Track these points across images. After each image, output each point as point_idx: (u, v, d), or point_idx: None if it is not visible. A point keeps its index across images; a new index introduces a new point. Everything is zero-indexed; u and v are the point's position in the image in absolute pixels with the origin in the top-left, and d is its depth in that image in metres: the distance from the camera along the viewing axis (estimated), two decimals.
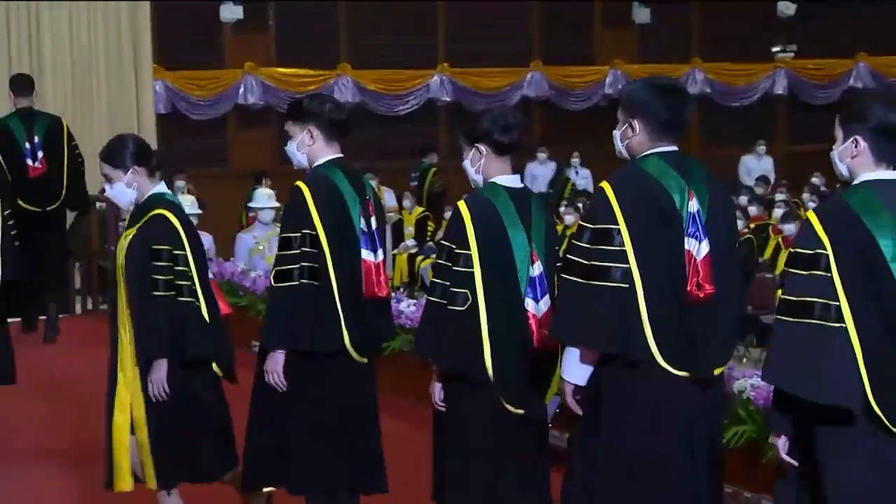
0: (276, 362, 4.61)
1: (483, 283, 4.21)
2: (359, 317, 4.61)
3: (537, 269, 4.30)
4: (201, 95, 16.13)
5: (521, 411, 4.28)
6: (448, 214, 14.96)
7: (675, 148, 3.94)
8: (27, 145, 9.68)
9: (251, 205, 10.84)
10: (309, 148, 4.70)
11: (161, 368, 4.65)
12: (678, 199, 3.83)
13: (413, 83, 17.43)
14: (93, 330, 10.79)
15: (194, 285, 4.69)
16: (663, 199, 3.82)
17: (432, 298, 4.32)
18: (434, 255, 11.11)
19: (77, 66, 14.96)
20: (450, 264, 4.27)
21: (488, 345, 4.20)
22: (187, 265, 4.68)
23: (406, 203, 14.99)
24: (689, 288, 3.79)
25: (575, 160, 17.57)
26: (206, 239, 11.19)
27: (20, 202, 8.87)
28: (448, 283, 4.27)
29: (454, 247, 4.28)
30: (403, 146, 17.24)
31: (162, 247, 4.66)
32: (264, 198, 10.59)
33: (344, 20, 17.13)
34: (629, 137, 3.95)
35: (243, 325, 9.17)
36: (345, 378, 4.66)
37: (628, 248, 3.76)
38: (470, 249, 4.23)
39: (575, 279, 3.82)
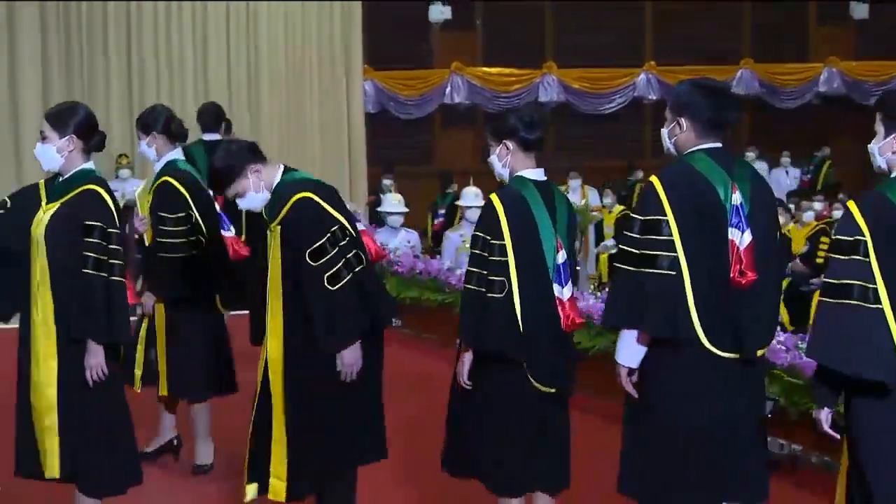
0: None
1: (517, 272, 4.49)
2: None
3: (562, 256, 4.58)
4: (409, 95, 16.47)
5: (552, 389, 4.59)
6: None
7: (720, 145, 4.21)
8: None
9: (460, 203, 11.02)
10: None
11: (100, 353, 4.59)
12: (722, 193, 4.11)
13: (619, 81, 17.38)
14: None
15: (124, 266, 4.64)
16: (708, 193, 4.10)
17: (470, 287, 4.58)
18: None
19: (291, 66, 15.48)
20: (485, 254, 4.53)
21: (523, 328, 4.48)
22: (119, 244, 4.62)
23: (607, 201, 14.96)
24: (732, 275, 4.07)
25: (785, 159, 17.20)
26: (412, 236, 11.46)
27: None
28: (485, 272, 4.53)
29: (489, 237, 4.53)
30: (608, 145, 17.20)
31: (95, 223, 4.57)
32: (472, 196, 10.75)
33: (550, 19, 17.20)
34: (676, 134, 4.24)
35: (450, 324, 9.37)
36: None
37: (675, 237, 4.04)
38: (504, 240, 4.49)
39: (626, 267, 4.12)
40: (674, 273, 4.04)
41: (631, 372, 4.18)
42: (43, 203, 4.76)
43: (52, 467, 4.70)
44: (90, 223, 4.60)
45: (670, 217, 4.05)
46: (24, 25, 14.12)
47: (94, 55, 14.53)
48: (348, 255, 4.75)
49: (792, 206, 12.70)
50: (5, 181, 14.08)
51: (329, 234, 4.73)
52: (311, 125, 15.61)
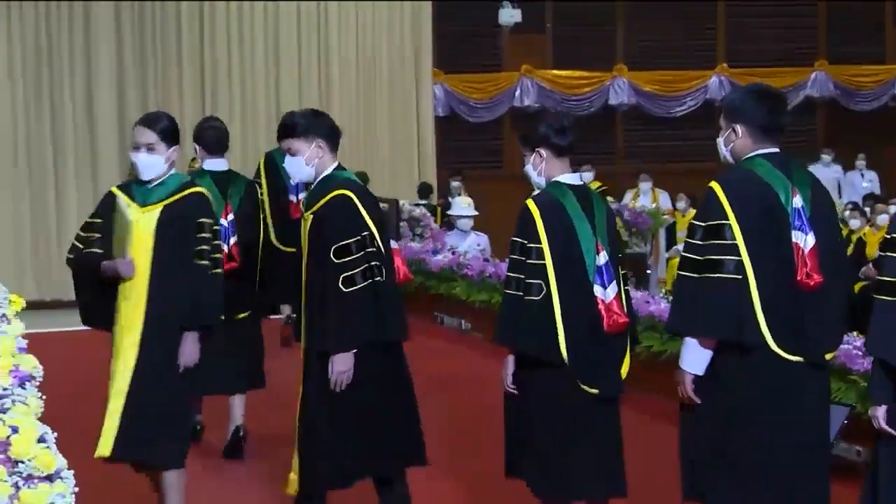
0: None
1: (555, 274, 4.52)
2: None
3: (603, 258, 4.61)
4: (479, 98, 16.50)
5: (595, 390, 4.57)
6: None
7: (776, 150, 4.25)
8: (292, 181, 9.37)
9: None
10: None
11: (197, 343, 5.00)
12: (783, 196, 4.15)
13: (690, 84, 17.26)
14: None
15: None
16: (769, 197, 4.14)
17: (509, 291, 4.60)
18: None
19: (361, 70, 15.60)
20: (523, 258, 4.57)
21: (562, 330, 4.50)
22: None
23: (680, 205, 14.88)
24: (798, 277, 4.10)
25: (860, 162, 16.98)
26: (482, 239, 11.51)
27: (273, 240, 7.84)
28: (523, 276, 4.56)
29: (526, 242, 4.58)
30: (678, 148, 17.10)
31: (206, 221, 5.00)
32: None
33: (621, 21, 17.14)
34: (733, 141, 4.28)
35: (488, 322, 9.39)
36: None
37: (739, 241, 4.07)
38: (541, 243, 4.54)
39: (689, 274, 4.15)
40: (739, 277, 4.06)
41: (695, 379, 4.18)
42: (135, 206, 5.05)
43: (105, 446, 4.97)
44: (203, 220, 4.99)
45: (733, 221, 4.08)
46: (99, 27, 14.36)
47: (168, 58, 14.75)
48: (371, 263, 4.80)
49: (867, 210, 12.54)
50: (84, 182, 14.36)
51: (358, 237, 4.81)
52: (380, 128, 15.71)
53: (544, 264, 4.53)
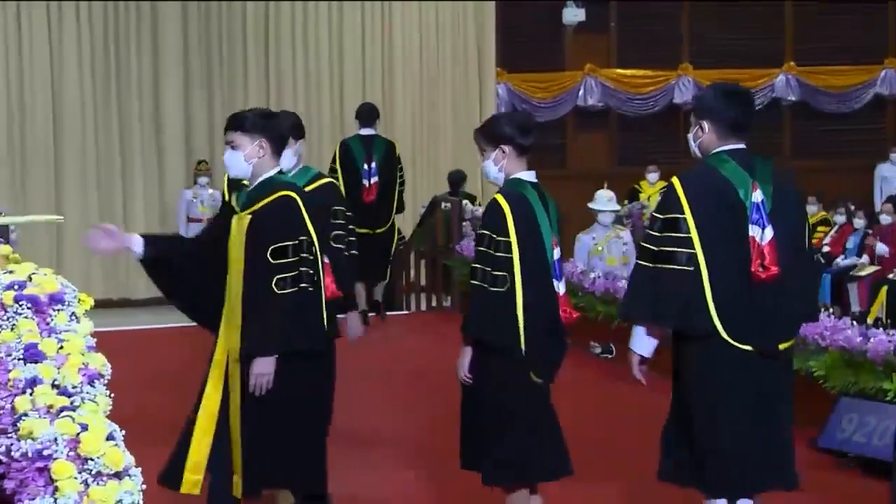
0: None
1: (521, 267, 4.67)
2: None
3: (556, 253, 4.82)
4: (542, 98, 16.45)
5: (541, 380, 4.78)
6: None
7: (742, 146, 4.45)
8: (365, 167, 10.83)
9: (591, 206, 10.98)
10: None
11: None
12: (742, 192, 4.33)
13: (757, 82, 17.06)
14: (437, 325, 11.29)
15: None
16: (727, 191, 4.34)
17: (475, 282, 4.73)
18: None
19: (424, 69, 15.63)
20: (490, 251, 4.70)
21: (522, 322, 4.63)
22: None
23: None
24: (753, 268, 4.27)
25: None
26: None
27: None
28: (489, 268, 4.69)
29: (495, 235, 4.70)
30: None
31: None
32: (605, 200, 10.70)
33: (687, 20, 17.00)
34: (700, 137, 4.48)
35: (582, 327, 9.33)
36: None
37: (693, 234, 4.27)
38: (509, 237, 4.68)
39: (645, 263, 4.38)
40: (691, 269, 4.26)
41: (643, 361, 4.46)
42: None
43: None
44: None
45: (688, 215, 4.28)
46: (166, 26, 14.52)
47: (233, 58, 14.87)
48: (303, 269, 4.76)
49: None
50: (150, 181, 14.53)
51: (297, 241, 4.78)
52: (443, 128, 15.72)
53: (511, 258, 4.67)
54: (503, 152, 4.89)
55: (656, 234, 4.37)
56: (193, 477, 4.97)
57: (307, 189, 5.19)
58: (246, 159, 4.90)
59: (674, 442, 4.51)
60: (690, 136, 4.53)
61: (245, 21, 14.92)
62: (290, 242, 4.78)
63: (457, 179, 13.67)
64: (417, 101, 15.61)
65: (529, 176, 4.94)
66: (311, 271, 4.80)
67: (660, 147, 16.06)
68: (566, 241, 12.09)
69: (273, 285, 4.74)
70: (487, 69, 16.00)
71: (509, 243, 4.68)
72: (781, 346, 4.40)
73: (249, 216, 4.87)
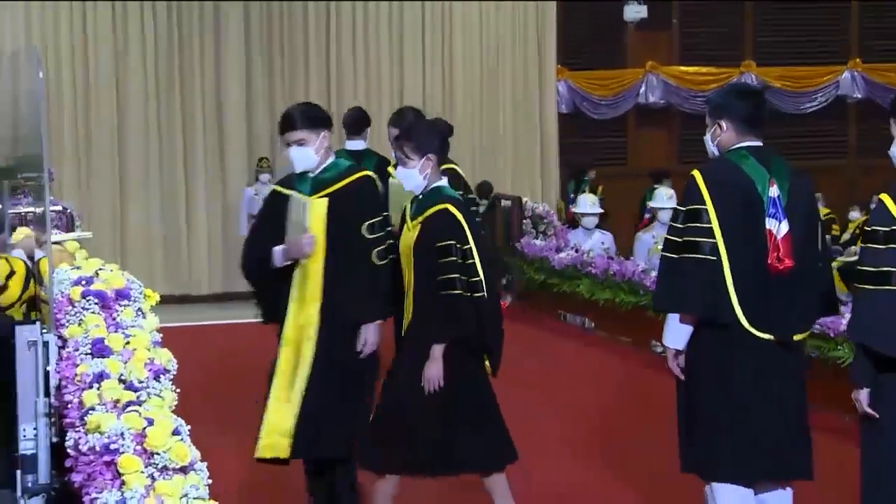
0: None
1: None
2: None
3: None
4: (603, 95, 16.38)
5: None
6: (853, 214, 14.50)
7: (759, 143, 4.56)
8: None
9: (651, 204, 10.92)
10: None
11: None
12: (760, 186, 4.45)
13: (821, 80, 16.89)
14: None
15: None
16: (745, 185, 4.45)
17: (454, 291, 4.83)
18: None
19: (485, 67, 15.61)
20: (458, 259, 4.85)
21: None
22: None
23: (854, 214, 14.63)
24: (769, 261, 4.39)
25: None
26: (607, 238, 11.41)
27: None
28: (464, 277, 4.84)
29: (458, 244, 4.87)
30: (809, 144, 16.74)
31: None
32: (664, 198, 10.64)
33: (750, 17, 16.85)
34: (718, 136, 4.59)
35: (645, 326, 9.29)
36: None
37: (714, 225, 4.38)
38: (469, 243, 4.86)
39: (670, 255, 4.48)
40: (714, 258, 4.37)
41: (678, 354, 4.52)
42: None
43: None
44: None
45: (709, 206, 4.39)
46: (229, 26, 14.63)
47: (294, 58, 14.95)
48: (390, 243, 5.19)
49: None
50: (212, 177, 14.65)
51: (382, 216, 5.29)
52: (503, 126, 15.70)
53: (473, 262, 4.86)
54: (430, 160, 5.00)
55: (679, 225, 4.46)
56: (266, 441, 5.11)
57: (329, 191, 5.20)
58: (419, 173, 5.05)
59: (688, 432, 4.59)
60: (708, 136, 4.63)
61: (306, 20, 14.99)
62: (379, 217, 5.20)
63: (487, 191, 13.54)
64: (477, 100, 15.59)
65: (446, 182, 5.11)
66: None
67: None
68: (627, 239, 12.12)
69: (374, 257, 5.15)
70: (548, 67, 15.95)
71: (472, 249, 4.87)
72: (796, 338, 4.52)
73: (327, 199, 5.17)
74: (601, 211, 11.53)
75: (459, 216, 4.93)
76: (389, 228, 5.32)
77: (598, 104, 16.31)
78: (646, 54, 16.44)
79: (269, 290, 5.28)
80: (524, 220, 12.46)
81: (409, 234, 5.01)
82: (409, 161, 5.01)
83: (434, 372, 4.87)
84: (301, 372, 5.12)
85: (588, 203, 11.38)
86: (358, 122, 7.95)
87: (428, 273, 4.92)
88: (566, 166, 15.88)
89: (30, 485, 3.84)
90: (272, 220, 5.27)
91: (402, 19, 15.28)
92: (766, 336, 4.41)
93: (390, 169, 7.20)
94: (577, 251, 11.16)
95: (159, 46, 14.42)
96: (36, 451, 3.85)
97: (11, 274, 4.02)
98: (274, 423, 5.09)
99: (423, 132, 5.11)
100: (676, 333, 4.51)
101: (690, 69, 16.55)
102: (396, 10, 15.26)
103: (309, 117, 5.24)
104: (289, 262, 5.18)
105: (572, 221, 12.39)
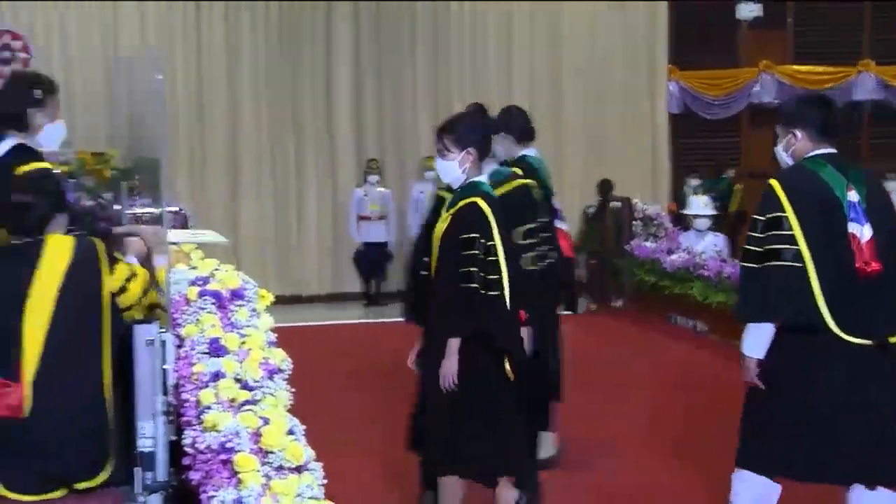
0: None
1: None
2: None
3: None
4: (716, 95, 16.15)
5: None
6: None
7: (834, 150, 4.63)
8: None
9: (686, 211, 10.77)
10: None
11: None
12: (838, 191, 4.49)
13: None
14: (606, 326, 11.19)
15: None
16: (824, 191, 4.50)
17: (471, 285, 4.80)
18: None
19: (594, 68, 15.49)
20: (481, 255, 4.83)
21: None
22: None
23: None
24: (857, 265, 4.42)
25: None
26: (719, 240, 11.24)
27: None
28: (482, 272, 4.82)
29: (483, 239, 4.84)
30: None
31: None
32: (699, 205, 10.52)
33: (869, 15, 16.47)
34: (793, 145, 4.65)
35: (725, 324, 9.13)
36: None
37: (797, 232, 4.41)
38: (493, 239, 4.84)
39: (751, 265, 4.49)
40: (798, 265, 4.40)
41: (758, 363, 4.53)
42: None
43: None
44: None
45: (790, 213, 4.43)
46: (338, 26, 14.74)
47: (402, 59, 15.00)
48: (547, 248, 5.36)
49: None
50: (323, 179, 14.78)
51: (538, 222, 5.49)
52: (613, 127, 15.57)
53: (497, 260, 4.84)
54: (470, 154, 5.00)
55: (759, 235, 4.48)
56: None
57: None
58: (458, 166, 5.05)
59: (753, 433, 4.64)
60: (781, 145, 4.69)
61: (414, 23, 15.03)
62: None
63: (607, 189, 13.43)
64: (586, 100, 15.49)
65: (485, 178, 5.12)
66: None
67: (837, 145, 15.55)
68: (740, 241, 11.92)
69: (526, 262, 5.35)
70: (659, 67, 15.78)
71: (495, 246, 4.85)
72: (893, 340, 4.52)
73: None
74: (714, 213, 11.38)
75: (488, 211, 4.89)
76: (545, 234, 5.54)
77: (710, 104, 16.09)
78: (759, 53, 16.17)
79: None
80: (634, 222, 12.34)
81: (440, 226, 5.02)
82: (449, 153, 5.01)
83: (448, 367, 4.84)
84: None
85: (700, 204, 11.23)
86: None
87: (451, 265, 4.90)
88: (679, 167, 15.70)
89: (148, 482, 3.89)
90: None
91: (510, 20, 15.25)
92: (858, 340, 4.44)
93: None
94: (689, 253, 11.02)
95: (271, 47, 14.59)
96: (154, 448, 3.90)
97: (132, 276, 4.09)
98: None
99: (465, 125, 5.09)
100: (757, 342, 4.53)
101: (805, 68, 16.23)
102: (505, 14, 15.23)
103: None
104: None
105: (679, 221, 12.26)
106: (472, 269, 4.83)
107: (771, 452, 4.58)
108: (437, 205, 5.32)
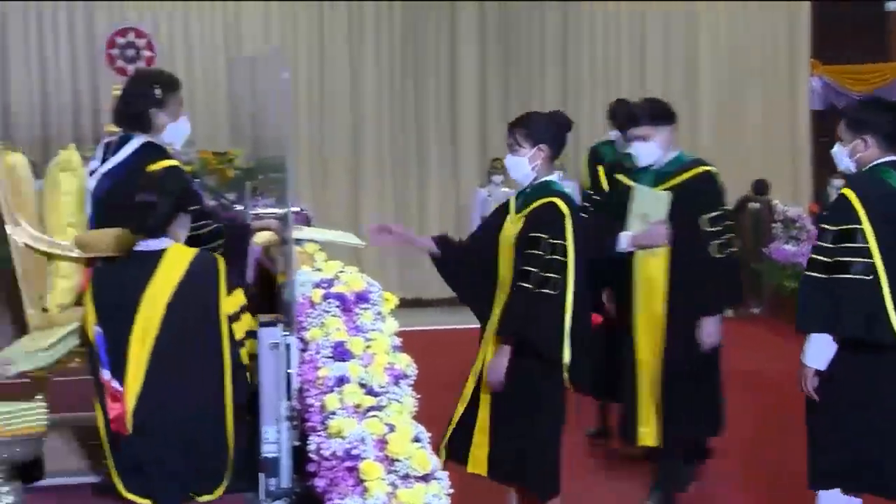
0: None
1: (573, 274, 4.83)
2: None
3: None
4: (861, 90, 15.79)
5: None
6: None
7: None
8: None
9: None
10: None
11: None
12: None
13: None
14: (745, 332, 11.03)
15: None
16: (894, 201, 4.51)
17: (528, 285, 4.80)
18: None
19: (731, 60, 15.30)
20: (543, 254, 4.82)
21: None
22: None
23: None
24: None
25: None
26: None
27: None
28: (541, 272, 4.82)
29: (552, 239, 4.84)
30: None
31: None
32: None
33: None
34: (860, 151, 4.65)
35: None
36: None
37: (872, 244, 4.40)
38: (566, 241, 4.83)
39: (817, 275, 4.50)
40: (869, 278, 4.40)
41: (817, 374, 4.57)
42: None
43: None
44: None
45: (866, 225, 4.42)
46: (463, 27, 14.79)
47: (531, 60, 15.00)
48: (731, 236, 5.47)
49: None
50: (444, 181, 14.86)
51: (722, 210, 5.58)
52: (752, 126, 15.36)
53: (566, 262, 4.84)
54: (541, 151, 4.99)
55: (829, 245, 4.49)
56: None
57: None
58: (528, 163, 5.06)
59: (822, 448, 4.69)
60: (847, 149, 4.68)
61: (543, 21, 15.01)
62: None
63: (762, 189, 13.23)
64: (723, 97, 15.29)
65: (557, 178, 5.10)
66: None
67: None
68: None
69: (712, 250, 5.47)
70: (800, 63, 15.51)
71: (565, 247, 4.85)
72: None
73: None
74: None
75: (566, 212, 4.85)
76: (729, 223, 5.62)
77: (855, 100, 15.74)
78: None
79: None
80: (774, 224, 12.13)
81: (512, 228, 4.98)
82: (520, 149, 4.97)
83: (496, 365, 4.87)
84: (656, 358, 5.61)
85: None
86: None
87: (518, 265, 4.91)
88: (821, 167, 15.41)
89: (272, 488, 3.96)
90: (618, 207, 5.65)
91: (643, 21, 15.15)
92: None
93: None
94: None
95: (394, 47, 14.71)
96: (278, 454, 3.96)
97: (245, 311, 4.17)
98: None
99: (538, 121, 5.04)
100: (820, 353, 4.55)
101: None
102: (639, 11, 15.12)
103: (653, 113, 5.60)
104: (632, 250, 5.60)
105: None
106: (531, 268, 4.83)
107: (842, 467, 4.63)
108: (503, 205, 5.27)
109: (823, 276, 4.49)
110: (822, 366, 4.58)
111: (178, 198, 4.28)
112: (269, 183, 5.86)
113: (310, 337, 4.22)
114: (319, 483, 3.53)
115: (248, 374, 4.17)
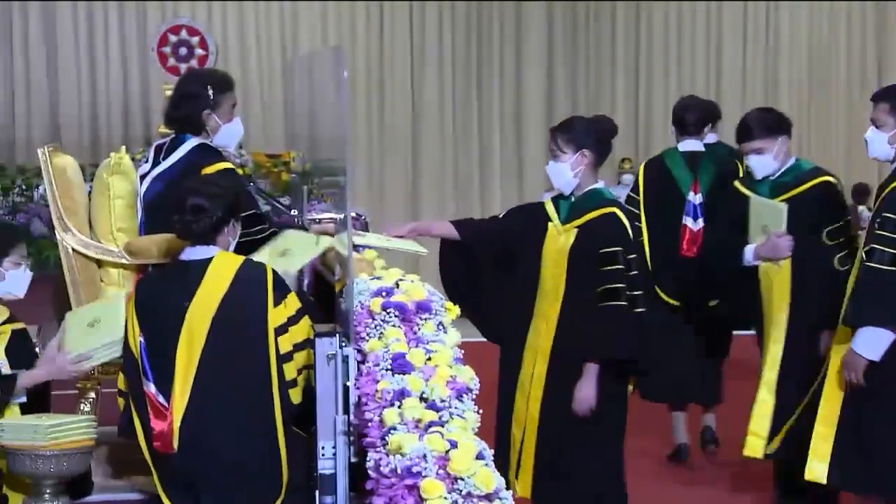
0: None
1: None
2: None
3: None
4: None
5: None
6: None
7: None
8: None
9: None
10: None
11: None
12: None
13: None
14: None
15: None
16: None
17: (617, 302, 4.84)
18: None
19: (813, 68, 15.17)
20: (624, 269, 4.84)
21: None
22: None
23: None
24: None
25: None
26: None
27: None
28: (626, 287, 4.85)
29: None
30: None
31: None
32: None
33: None
34: None
35: None
36: None
37: None
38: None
39: (879, 266, 4.58)
40: None
41: (869, 364, 4.63)
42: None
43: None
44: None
45: None
46: (530, 27, 14.76)
47: (601, 60, 14.92)
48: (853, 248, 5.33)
49: None
50: (508, 188, 14.79)
51: (843, 221, 5.53)
52: (836, 129, 15.21)
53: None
54: (584, 157, 4.96)
55: (894, 235, 4.57)
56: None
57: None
58: (570, 169, 5.05)
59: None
60: (888, 135, 4.91)
61: (614, 20, 14.93)
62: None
63: (862, 192, 13.07)
64: (804, 103, 15.14)
65: (601, 185, 5.07)
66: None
67: None
68: None
69: (835, 263, 5.40)
70: (889, 60, 15.29)
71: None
72: None
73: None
74: None
75: (626, 223, 4.86)
76: (851, 235, 5.60)
77: None
78: None
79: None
80: (860, 232, 11.96)
81: (561, 239, 4.94)
82: (562, 154, 4.93)
83: (587, 392, 4.83)
84: (772, 371, 5.57)
85: None
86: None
87: (585, 282, 4.84)
88: None
89: None
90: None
91: (720, 20, 15.04)
92: None
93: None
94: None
95: (457, 48, 14.68)
96: (335, 470, 3.93)
97: (297, 319, 4.16)
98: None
99: (580, 124, 5.01)
100: (877, 344, 4.63)
101: None
102: (715, 10, 15.00)
103: (766, 125, 5.59)
104: (757, 263, 5.58)
105: None
106: (616, 285, 4.81)
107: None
108: (535, 212, 5.24)
109: (887, 267, 4.59)
110: (877, 357, 4.64)
111: (231, 203, 4.26)
112: (325, 187, 5.85)
113: (368, 348, 4.19)
114: (378, 501, 3.50)
115: (293, 389, 4.16)
